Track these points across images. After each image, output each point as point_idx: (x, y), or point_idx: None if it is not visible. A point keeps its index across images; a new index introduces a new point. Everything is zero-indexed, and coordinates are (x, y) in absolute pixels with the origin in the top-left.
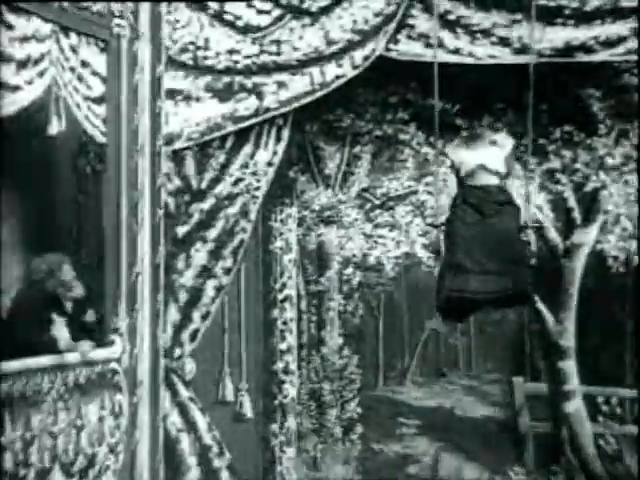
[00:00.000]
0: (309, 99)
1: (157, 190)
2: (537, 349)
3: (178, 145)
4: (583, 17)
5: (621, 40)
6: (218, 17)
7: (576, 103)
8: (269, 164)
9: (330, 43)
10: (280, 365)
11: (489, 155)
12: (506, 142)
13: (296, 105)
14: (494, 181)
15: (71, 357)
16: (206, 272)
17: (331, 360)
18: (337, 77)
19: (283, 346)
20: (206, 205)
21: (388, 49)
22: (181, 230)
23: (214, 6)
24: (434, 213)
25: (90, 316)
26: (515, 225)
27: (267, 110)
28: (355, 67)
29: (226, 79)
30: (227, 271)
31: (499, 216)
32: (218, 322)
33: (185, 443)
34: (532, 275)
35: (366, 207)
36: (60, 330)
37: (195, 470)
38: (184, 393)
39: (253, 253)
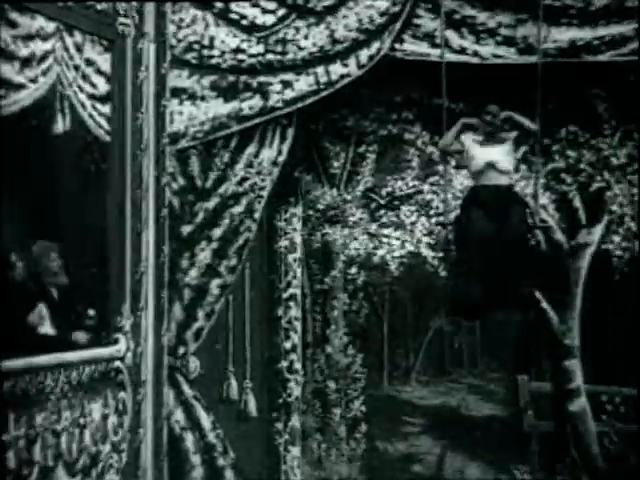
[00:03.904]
0: (314, 99)
1: (162, 189)
2: (541, 348)
3: (183, 144)
4: (588, 17)
5: (626, 40)
6: (223, 16)
7: (581, 103)
8: (274, 163)
9: (335, 42)
10: (284, 364)
11: (499, 154)
12: (510, 137)
13: (301, 105)
14: (503, 180)
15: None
16: (211, 271)
17: (336, 359)
18: (342, 76)
19: (288, 345)
20: (211, 204)
21: (393, 49)
22: (186, 229)
23: (219, 5)
24: (442, 212)
25: (91, 312)
26: (524, 225)
27: (272, 109)
28: (360, 67)
29: (231, 78)
30: (232, 270)
31: (508, 216)
32: (222, 321)
33: (189, 441)
34: (539, 276)
35: (371, 207)
36: (40, 314)
37: (199, 468)
38: (188, 391)
39: (258, 252)
